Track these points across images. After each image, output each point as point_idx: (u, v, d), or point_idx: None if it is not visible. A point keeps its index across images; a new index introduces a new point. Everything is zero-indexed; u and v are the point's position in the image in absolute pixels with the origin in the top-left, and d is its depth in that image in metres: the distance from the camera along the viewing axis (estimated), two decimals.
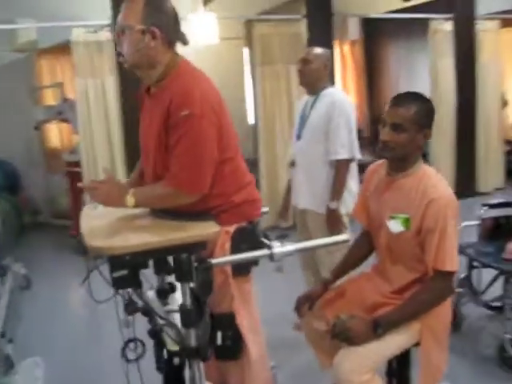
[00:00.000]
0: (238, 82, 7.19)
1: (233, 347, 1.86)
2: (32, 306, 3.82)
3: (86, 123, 4.56)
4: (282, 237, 1.92)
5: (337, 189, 2.76)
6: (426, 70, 6.40)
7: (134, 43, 1.74)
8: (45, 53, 5.92)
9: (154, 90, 1.84)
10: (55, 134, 6.26)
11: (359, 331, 1.80)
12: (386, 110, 1.89)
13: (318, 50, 2.90)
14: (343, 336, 1.81)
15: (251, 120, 6.39)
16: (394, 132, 1.84)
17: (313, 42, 5.03)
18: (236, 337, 1.85)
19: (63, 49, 5.04)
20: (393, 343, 1.84)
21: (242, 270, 1.86)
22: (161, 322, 1.81)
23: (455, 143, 6.09)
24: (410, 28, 6.87)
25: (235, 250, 1.78)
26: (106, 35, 4.50)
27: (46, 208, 6.24)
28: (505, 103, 5.98)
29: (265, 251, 1.70)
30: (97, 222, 1.78)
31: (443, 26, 5.87)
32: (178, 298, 1.81)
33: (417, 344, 1.89)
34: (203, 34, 5.34)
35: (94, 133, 4.58)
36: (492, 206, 3.13)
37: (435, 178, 1.89)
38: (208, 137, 1.72)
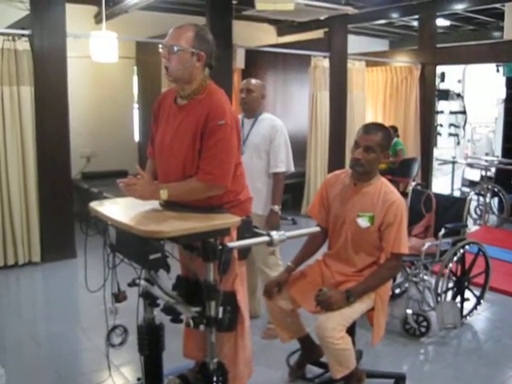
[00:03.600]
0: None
1: (232, 320, 2.23)
2: None
3: None
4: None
5: (278, 195, 3.32)
6: (299, 99, 7.26)
7: (183, 61, 2.11)
8: None
9: (184, 102, 2.20)
10: None
11: (337, 299, 2.32)
12: (359, 136, 2.47)
13: (256, 82, 3.40)
14: (325, 303, 2.31)
15: None
16: (366, 152, 2.42)
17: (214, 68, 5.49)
18: (235, 311, 2.24)
19: None
20: (358, 308, 2.39)
21: (243, 254, 2.28)
22: (171, 300, 2.14)
23: (328, 161, 6.97)
24: (287, 61, 7.72)
25: (240, 237, 2.18)
26: (24, 45, 4.51)
27: None
28: (397, 135, 7.23)
29: (266, 238, 2.13)
30: (130, 214, 2.05)
31: (322, 63, 6.78)
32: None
33: (371, 309, 2.46)
34: (104, 52, 5.53)
35: (7, 141, 4.52)
36: None
37: (389, 185, 2.51)
38: (234, 143, 2.14)
